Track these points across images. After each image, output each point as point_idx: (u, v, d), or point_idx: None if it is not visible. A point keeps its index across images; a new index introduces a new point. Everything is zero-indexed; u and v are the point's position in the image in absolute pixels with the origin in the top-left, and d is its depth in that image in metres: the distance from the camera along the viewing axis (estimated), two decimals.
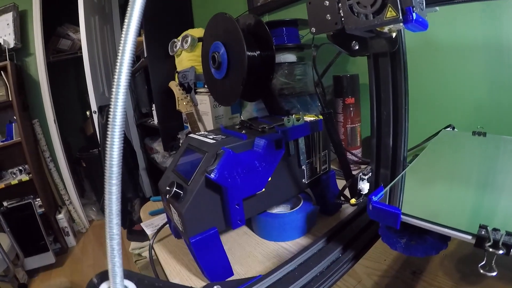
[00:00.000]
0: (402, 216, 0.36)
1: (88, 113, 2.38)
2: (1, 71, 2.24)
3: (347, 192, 0.62)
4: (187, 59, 1.63)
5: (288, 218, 0.62)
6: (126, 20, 0.21)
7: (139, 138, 2.79)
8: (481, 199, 0.42)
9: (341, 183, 0.68)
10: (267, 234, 0.64)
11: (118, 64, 0.20)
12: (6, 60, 2.25)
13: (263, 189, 0.55)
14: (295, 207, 0.65)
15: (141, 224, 0.80)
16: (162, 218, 0.80)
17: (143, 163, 2.82)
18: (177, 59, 1.73)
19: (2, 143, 2.29)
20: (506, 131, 0.74)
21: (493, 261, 0.30)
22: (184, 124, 1.77)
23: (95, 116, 2.24)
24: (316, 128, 0.64)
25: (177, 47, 1.69)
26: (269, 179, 0.56)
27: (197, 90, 1.51)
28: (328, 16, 0.40)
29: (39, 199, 2.40)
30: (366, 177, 0.50)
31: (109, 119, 0.21)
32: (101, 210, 2.98)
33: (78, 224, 2.83)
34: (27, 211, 2.19)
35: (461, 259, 0.50)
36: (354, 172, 0.63)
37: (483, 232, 0.30)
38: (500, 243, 0.29)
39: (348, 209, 0.70)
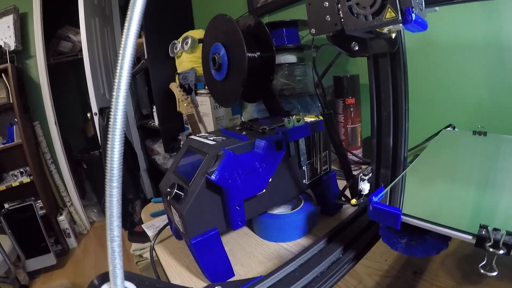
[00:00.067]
0: (402, 217, 0.36)
1: (88, 115, 2.38)
2: (2, 74, 2.24)
3: (347, 193, 0.62)
4: (188, 60, 1.63)
5: (289, 218, 0.62)
6: (126, 24, 0.21)
7: (140, 139, 2.80)
8: (481, 199, 0.42)
9: (341, 183, 0.68)
10: (268, 235, 0.64)
11: (118, 67, 0.21)
12: (7, 62, 2.25)
13: (264, 190, 0.55)
14: (296, 208, 0.65)
15: (142, 225, 0.80)
16: (163, 220, 0.80)
17: (144, 164, 2.83)
18: (178, 60, 1.73)
19: (3, 145, 2.30)
20: (507, 130, 0.74)
21: (494, 261, 0.30)
22: (185, 126, 1.77)
23: (95, 118, 2.25)
24: (317, 128, 0.65)
25: (178, 49, 1.69)
26: (270, 180, 0.56)
27: (197, 92, 1.51)
28: (328, 17, 0.40)
29: (40, 200, 2.40)
30: (366, 178, 0.50)
31: (109, 123, 0.21)
32: (102, 211, 2.99)
33: (79, 226, 2.84)
34: (28, 213, 2.20)
35: (462, 259, 0.50)
36: (354, 173, 0.63)
37: (483, 232, 0.30)
38: (501, 243, 0.29)
39: (348, 210, 0.70)
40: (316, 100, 1.03)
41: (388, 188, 0.43)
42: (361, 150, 0.99)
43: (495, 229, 0.30)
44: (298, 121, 0.63)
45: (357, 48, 0.44)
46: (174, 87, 1.50)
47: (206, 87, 1.32)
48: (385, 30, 0.38)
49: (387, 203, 0.39)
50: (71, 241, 2.63)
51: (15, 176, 2.42)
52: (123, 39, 0.21)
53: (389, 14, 0.34)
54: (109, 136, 0.21)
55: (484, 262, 0.30)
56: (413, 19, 0.33)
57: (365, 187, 0.49)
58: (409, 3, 0.32)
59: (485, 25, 0.76)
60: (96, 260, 2.41)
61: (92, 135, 2.80)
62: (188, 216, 0.48)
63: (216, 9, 1.87)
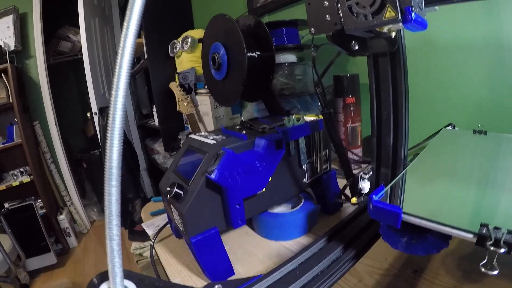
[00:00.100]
0: (403, 215, 0.36)
1: (88, 114, 2.38)
2: (2, 74, 2.24)
3: (347, 192, 0.62)
4: (187, 60, 1.63)
5: (289, 217, 0.62)
6: (125, 23, 0.21)
7: (140, 139, 2.80)
8: (482, 198, 0.42)
9: (341, 182, 0.68)
10: (268, 234, 0.64)
11: (117, 67, 0.21)
12: (7, 62, 2.25)
13: (264, 189, 0.55)
14: (296, 207, 0.65)
15: (142, 224, 0.80)
16: (163, 219, 0.80)
17: (144, 164, 2.83)
18: (177, 60, 1.73)
19: (3, 145, 2.30)
20: (507, 129, 0.74)
21: (495, 260, 0.30)
22: (185, 125, 1.78)
23: (95, 118, 2.25)
24: (317, 128, 0.65)
25: (177, 48, 1.69)
26: (270, 179, 0.56)
27: (197, 91, 1.51)
28: (328, 17, 0.40)
29: (40, 200, 2.40)
30: (366, 176, 0.50)
31: (108, 121, 0.21)
32: (102, 210, 2.98)
33: (79, 225, 2.84)
34: (28, 213, 2.20)
35: (462, 258, 0.50)
36: (354, 172, 0.63)
37: (484, 231, 0.30)
38: (502, 242, 0.29)
39: (349, 208, 0.70)
40: (316, 99, 1.03)
41: (388, 187, 0.43)
42: (361, 149, 0.99)
43: (495, 228, 0.30)
44: (298, 120, 0.63)
45: (357, 47, 0.44)
46: (174, 86, 1.50)
47: (206, 87, 1.32)
48: (385, 29, 0.38)
49: (387, 202, 0.39)
50: (71, 240, 2.64)
51: (15, 175, 2.42)
52: (122, 38, 0.21)
53: (388, 13, 0.34)
54: (108, 134, 0.21)
55: (485, 260, 0.30)
56: (413, 18, 0.33)
57: (365, 186, 0.50)
58: (409, 2, 0.32)
59: (485, 25, 0.76)
60: (96, 259, 2.41)
61: (92, 134, 2.80)
62: (188, 215, 0.48)
63: (216, 9, 1.87)
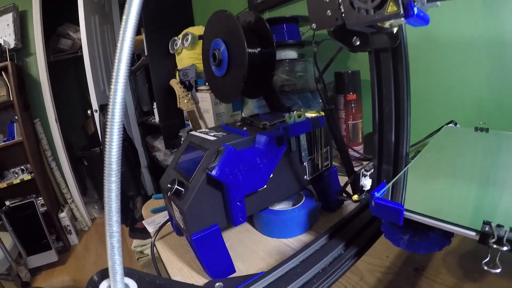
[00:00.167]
0: (405, 212, 0.36)
1: (89, 112, 2.38)
2: (2, 72, 2.24)
3: (349, 189, 0.62)
4: (188, 57, 1.63)
5: (290, 214, 0.62)
6: (124, 17, 0.21)
7: (141, 136, 2.80)
8: (484, 195, 0.42)
9: (343, 179, 0.68)
10: (269, 231, 0.64)
11: (116, 60, 0.20)
12: (7, 60, 2.25)
13: (265, 186, 0.55)
14: (297, 204, 0.65)
15: (143, 221, 0.80)
16: (163, 216, 0.80)
17: (145, 161, 2.83)
18: (178, 57, 1.73)
19: (3, 143, 2.30)
20: (509, 126, 0.73)
21: (497, 258, 0.30)
22: (186, 122, 1.78)
23: (96, 115, 2.25)
24: (318, 124, 0.64)
25: (178, 45, 1.69)
26: (271, 175, 0.56)
27: (198, 88, 1.51)
28: (329, 12, 0.39)
29: (41, 198, 2.41)
30: (368, 173, 0.50)
31: (107, 116, 0.20)
32: (103, 208, 2.99)
33: (80, 222, 2.85)
34: (29, 210, 2.20)
35: (464, 256, 0.49)
36: (356, 169, 0.63)
37: (487, 229, 0.30)
38: (504, 240, 0.29)
39: (350, 206, 0.70)
40: (317, 96, 1.02)
41: (390, 184, 0.43)
42: (362, 146, 0.99)
43: (498, 226, 0.30)
44: (299, 116, 0.62)
45: (358, 43, 0.44)
46: (175, 83, 1.50)
47: (207, 84, 1.32)
48: (387, 24, 0.38)
49: (389, 199, 0.39)
50: (72, 238, 2.64)
51: (16, 173, 2.42)
52: (121, 32, 0.20)
53: (390, 8, 0.33)
54: (107, 130, 0.20)
55: (488, 259, 0.30)
56: (415, 13, 0.32)
57: (366, 183, 0.49)
58: None
59: (487, 21, 0.75)
60: (97, 257, 2.42)
61: (93, 132, 2.80)
62: (189, 212, 0.48)
63: (216, 5, 1.86)
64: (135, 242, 1.73)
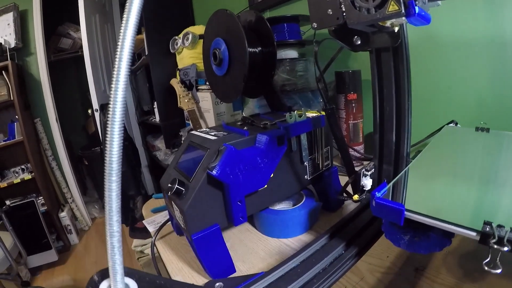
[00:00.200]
0: (405, 212, 0.36)
1: (89, 111, 2.38)
2: (3, 71, 2.24)
3: (349, 189, 0.62)
4: (188, 56, 1.63)
5: (290, 214, 0.62)
6: (125, 15, 0.21)
7: (141, 136, 2.80)
8: (485, 195, 0.42)
9: (343, 179, 0.68)
10: (269, 231, 0.64)
11: (117, 60, 0.20)
12: (7, 60, 2.25)
13: (265, 186, 0.55)
14: (297, 204, 0.65)
15: (143, 221, 0.80)
16: (164, 215, 0.80)
17: (145, 160, 2.83)
18: (178, 56, 1.73)
19: (4, 143, 2.30)
20: (510, 126, 0.73)
21: (498, 258, 0.30)
22: (186, 122, 1.77)
23: (96, 114, 2.24)
24: (318, 124, 0.64)
25: (178, 45, 1.68)
26: (271, 175, 0.55)
27: (198, 87, 1.51)
28: (330, 11, 0.39)
29: (41, 197, 2.41)
30: (369, 173, 0.50)
31: (108, 115, 0.20)
32: (103, 207, 2.99)
33: (80, 222, 2.85)
34: (29, 210, 2.20)
35: (464, 256, 0.49)
36: (356, 168, 0.63)
37: (487, 229, 0.30)
38: (505, 240, 0.29)
39: (350, 206, 0.70)
40: (317, 95, 1.02)
41: (391, 184, 0.43)
42: (363, 146, 0.99)
43: (499, 226, 0.30)
44: (300, 116, 0.62)
45: (359, 42, 0.44)
46: (175, 83, 1.50)
47: (207, 83, 1.32)
48: (388, 23, 0.38)
49: (390, 199, 0.39)
50: (73, 238, 2.64)
51: (17, 173, 2.42)
52: (121, 32, 0.20)
53: (392, 7, 0.33)
54: (108, 129, 0.20)
55: (488, 259, 0.30)
56: (417, 12, 0.32)
57: (367, 182, 0.49)
58: None
59: (488, 20, 0.75)
60: (97, 256, 2.42)
61: (93, 131, 2.80)
62: (189, 212, 0.48)
63: (217, 5, 1.86)
64: (135, 241, 1.73)
